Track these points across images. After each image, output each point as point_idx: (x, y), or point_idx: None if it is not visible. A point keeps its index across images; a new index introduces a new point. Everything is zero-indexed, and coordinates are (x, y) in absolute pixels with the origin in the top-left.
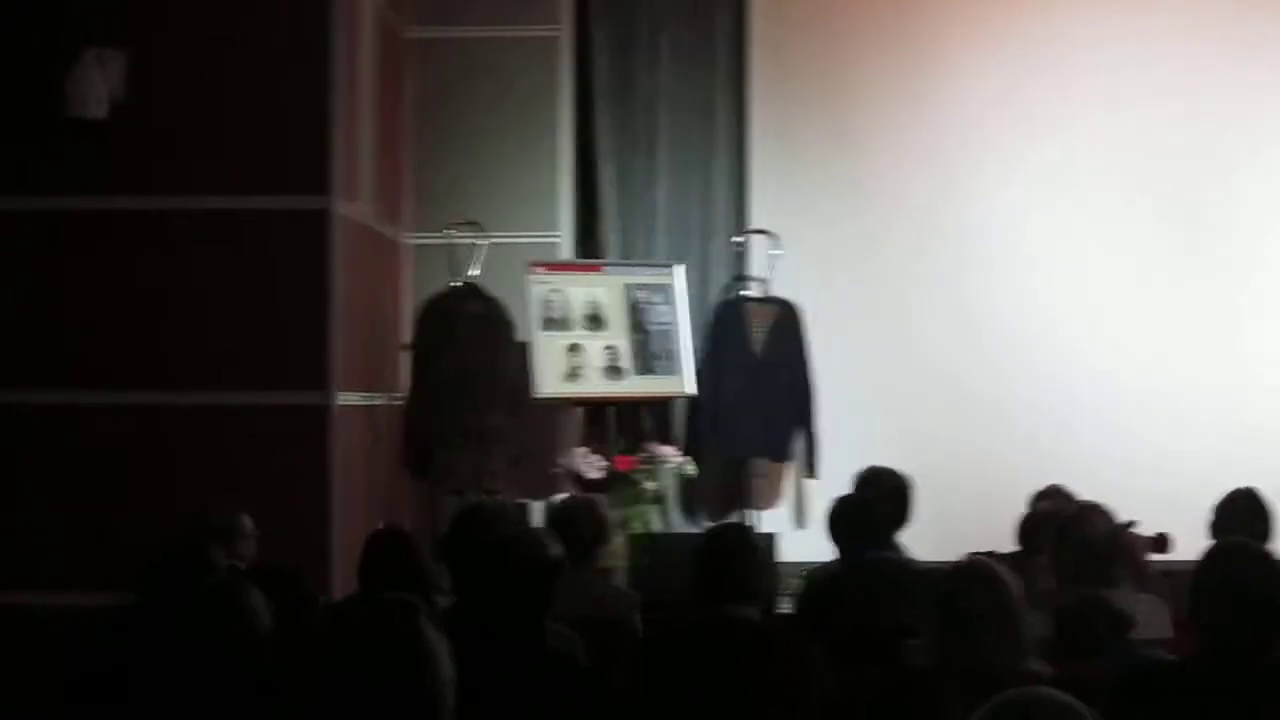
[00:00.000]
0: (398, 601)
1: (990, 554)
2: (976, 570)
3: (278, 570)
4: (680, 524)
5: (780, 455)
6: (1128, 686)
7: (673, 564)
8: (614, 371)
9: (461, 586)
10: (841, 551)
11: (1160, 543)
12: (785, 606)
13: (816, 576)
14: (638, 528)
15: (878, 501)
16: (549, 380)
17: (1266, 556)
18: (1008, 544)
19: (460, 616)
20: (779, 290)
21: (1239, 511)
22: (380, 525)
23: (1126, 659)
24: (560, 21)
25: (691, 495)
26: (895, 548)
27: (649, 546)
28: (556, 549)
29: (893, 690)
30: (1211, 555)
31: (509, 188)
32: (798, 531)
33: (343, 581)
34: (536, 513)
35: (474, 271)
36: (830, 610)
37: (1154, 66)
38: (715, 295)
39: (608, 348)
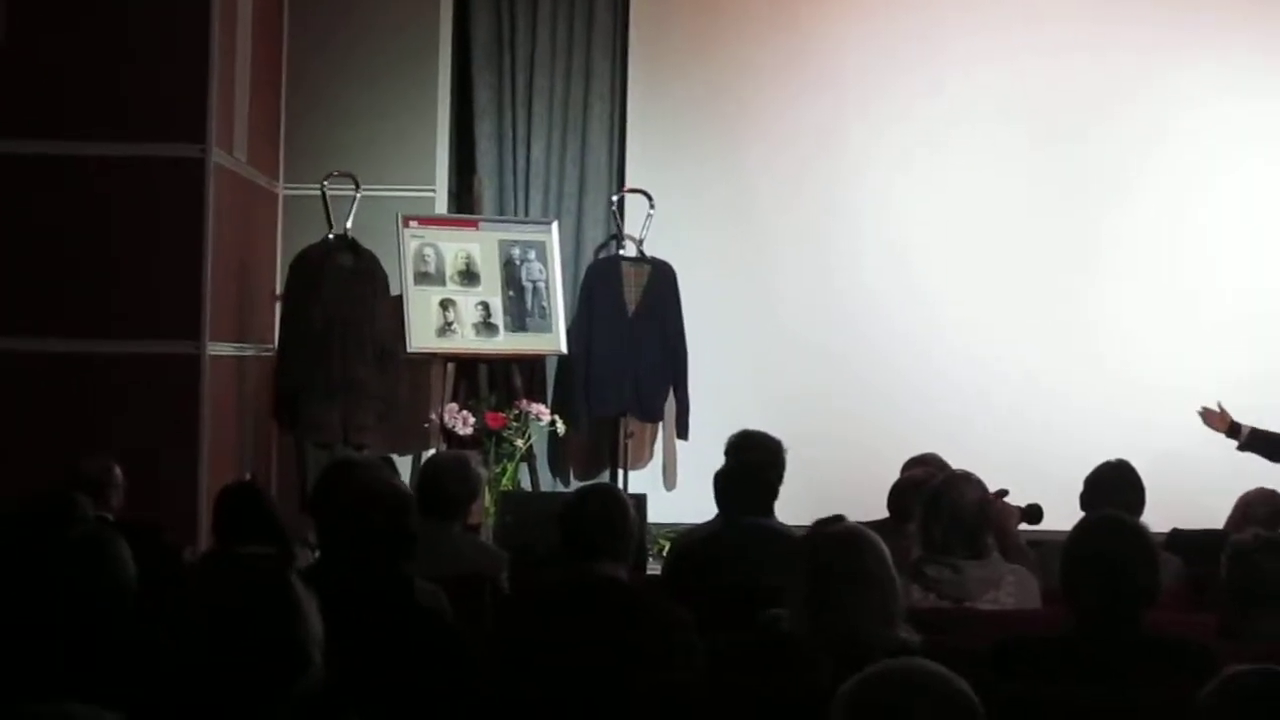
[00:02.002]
0: (267, 558)
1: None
2: (846, 535)
3: (138, 523)
4: (549, 482)
5: (651, 415)
6: (1000, 658)
7: (539, 521)
8: (486, 328)
9: (327, 541)
10: (726, 516)
11: (1031, 514)
12: (653, 567)
13: (687, 539)
14: (507, 485)
15: (762, 468)
16: (421, 335)
17: (1137, 530)
18: (879, 511)
19: (326, 571)
20: (653, 250)
21: (1110, 484)
22: (246, 477)
23: None
24: None
25: (561, 453)
26: (768, 513)
27: (516, 503)
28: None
29: (760, 654)
30: (1083, 528)
31: (385, 141)
32: (666, 492)
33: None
34: (405, 468)
35: (348, 224)
36: (699, 573)
37: (1023, 32)
38: (589, 253)
39: (481, 304)
